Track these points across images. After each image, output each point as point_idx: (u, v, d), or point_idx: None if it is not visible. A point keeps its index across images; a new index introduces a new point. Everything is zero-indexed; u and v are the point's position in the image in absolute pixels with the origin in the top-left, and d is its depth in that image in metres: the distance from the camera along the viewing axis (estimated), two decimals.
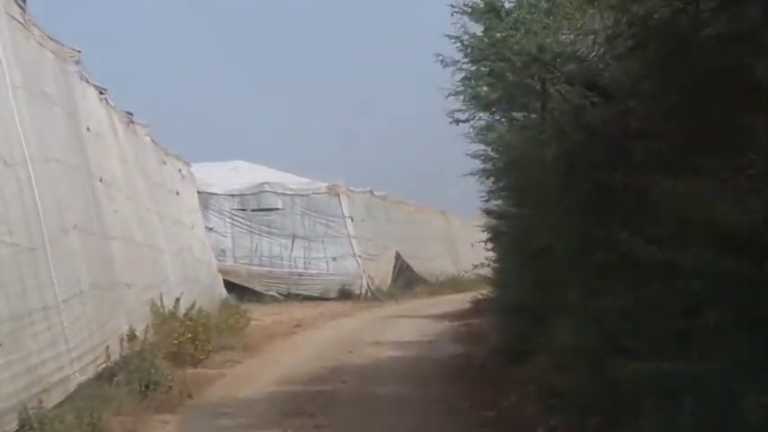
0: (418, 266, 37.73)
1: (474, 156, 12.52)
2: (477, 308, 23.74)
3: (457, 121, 11.47)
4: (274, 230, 31.87)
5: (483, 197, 18.79)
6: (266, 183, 32.28)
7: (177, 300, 15.66)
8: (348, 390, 11.18)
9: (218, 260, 30.65)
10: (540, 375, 9.41)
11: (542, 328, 9.52)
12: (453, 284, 38.65)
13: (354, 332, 18.80)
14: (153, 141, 20.14)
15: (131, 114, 17.58)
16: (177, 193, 22.68)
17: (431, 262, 39.71)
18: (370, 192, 34.30)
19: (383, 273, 33.70)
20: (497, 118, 11.20)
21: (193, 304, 15.74)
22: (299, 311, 25.85)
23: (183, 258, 20.86)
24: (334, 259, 31.69)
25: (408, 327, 19.78)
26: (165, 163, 21.73)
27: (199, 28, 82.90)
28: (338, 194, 32.01)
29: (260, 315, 24.31)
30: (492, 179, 11.94)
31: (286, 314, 24.97)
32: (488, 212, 13.00)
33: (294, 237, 31.88)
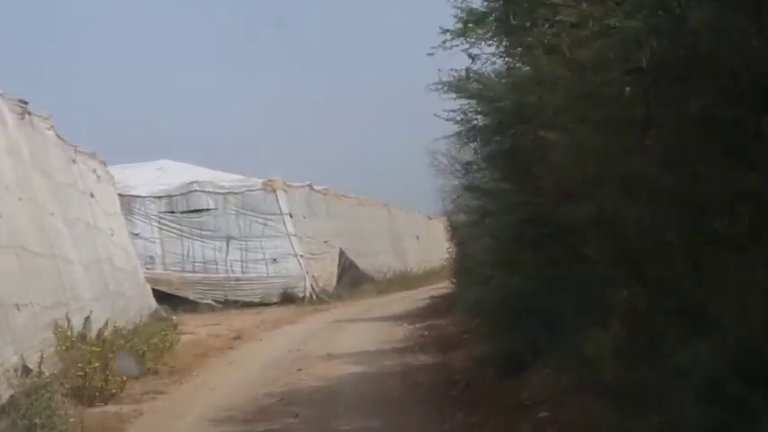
0: (364, 264, 35.21)
1: (451, 116, 9.68)
2: (437, 307, 21.40)
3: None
4: (207, 233, 29.06)
5: (459, 172, 16.60)
6: (195, 182, 29.45)
7: (87, 319, 12.89)
8: (302, 428, 8.54)
9: (147, 269, 27.83)
10: (555, 394, 6.97)
11: (555, 333, 7.11)
12: (401, 281, 36.32)
13: (302, 343, 16.20)
14: (58, 137, 17.35)
15: (26, 103, 14.73)
16: (92, 196, 19.84)
17: (376, 258, 37.23)
18: (310, 186, 31.66)
19: (328, 273, 31.10)
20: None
21: (106, 323, 12.98)
22: (237, 320, 23.20)
23: (100, 269, 18.09)
24: (274, 261, 29.02)
25: (363, 332, 17.27)
26: (75, 162, 18.89)
27: (128, 20, 79.53)
28: (275, 190, 29.33)
29: (194, 327, 21.77)
30: (477, 143, 9.32)
31: (224, 324, 22.32)
32: (470, 189, 10.32)
33: (229, 238, 29.12)
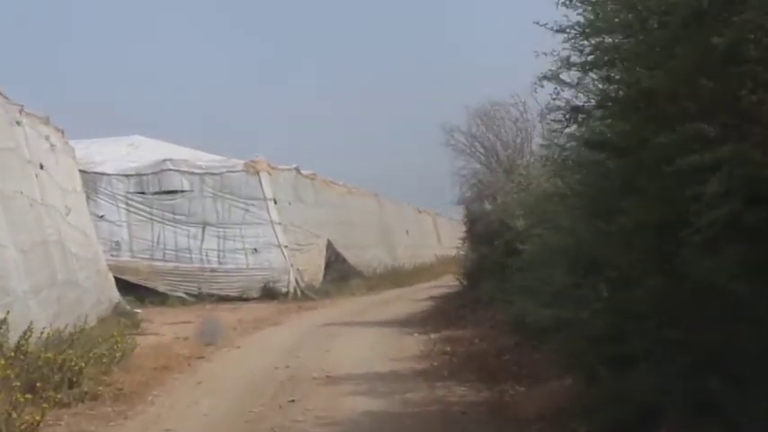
0: (352, 257, 31.85)
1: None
2: (444, 310, 18.14)
3: None
4: (180, 217, 25.62)
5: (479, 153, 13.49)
6: (169, 160, 25.98)
7: (3, 321, 9.48)
8: None
9: (111, 255, 24.46)
10: None
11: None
12: (393, 278, 33.05)
13: (290, 354, 12.83)
14: None
15: None
16: (41, 167, 16.44)
17: (365, 252, 33.89)
18: (296, 170, 28.23)
19: (314, 266, 27.72)
20: None
21: (29, 329, 9.56)
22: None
23: (46, 255, 14.79)
24: (255, 251, 25.61)
25: (365, 343, 13.92)
26: (19, 124, 15.47)
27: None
28: (258, 172, 25.91)
29: (160, 325, 18.57)
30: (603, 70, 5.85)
31: (195, 323, 18.95)
32: (592, 143, 6.76)
33: (205, 224, 25.68)
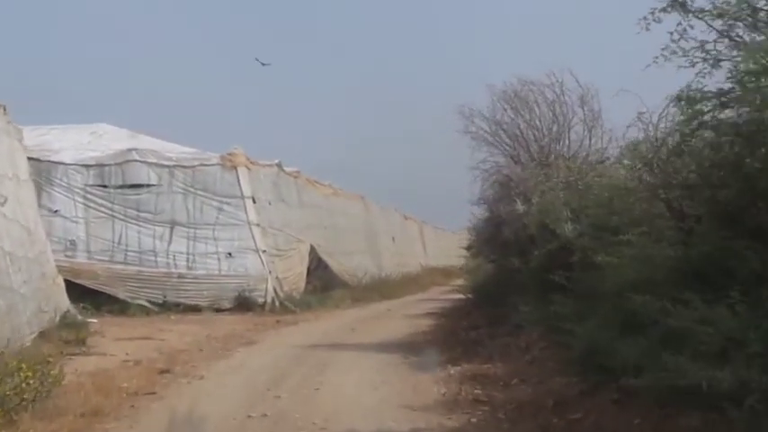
0: (336, 265, 28.72)
1: None
2: (451, 331, 15.08)
3: None
4: (146, 215, 22.45)
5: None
6: (134, 149, 22.75)
7: None
8: None
9: (66, 256, 21.37)
10: None
11: None
12: (380, 288, 29.95)
13: (268, 394, 9.69)
14: None
15: None
16: None
17: (351, 259, 30.76)
18: (278, 166, 25.04)
19: (295, 274, 24.53)
20: None
21: None
22: (175, 334, 16.86)
23: None
24: (230, 255, 22.44)
25: (364, 378, 10.77)
26: None
27: None
28: (235, 167, 22.73)
29: (112, 341, 15.53)
30: None
31: (155, 339, 15.93)
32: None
33: (174, 224, 22.51)
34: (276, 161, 24.99)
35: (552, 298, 9.83)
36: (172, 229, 22.48)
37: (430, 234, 54.42)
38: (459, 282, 45.45)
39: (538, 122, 13.20)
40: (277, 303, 22.38)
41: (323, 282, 27.36)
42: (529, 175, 12.02)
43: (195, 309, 21.80)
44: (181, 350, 14.18)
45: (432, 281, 41.04)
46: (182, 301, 21.98)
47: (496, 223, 12.65)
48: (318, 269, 27.89)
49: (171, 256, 22.37)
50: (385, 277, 33.05)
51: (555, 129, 13.12)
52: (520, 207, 11.74)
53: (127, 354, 13.57)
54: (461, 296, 28.63)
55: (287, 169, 25.85)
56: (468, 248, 20.48)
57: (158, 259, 22.35)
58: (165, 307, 21.84)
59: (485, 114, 13.98)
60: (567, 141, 13.06)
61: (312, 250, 26.57)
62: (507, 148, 13.25)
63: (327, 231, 29.08)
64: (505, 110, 13.56)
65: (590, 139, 12.77)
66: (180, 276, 22.23)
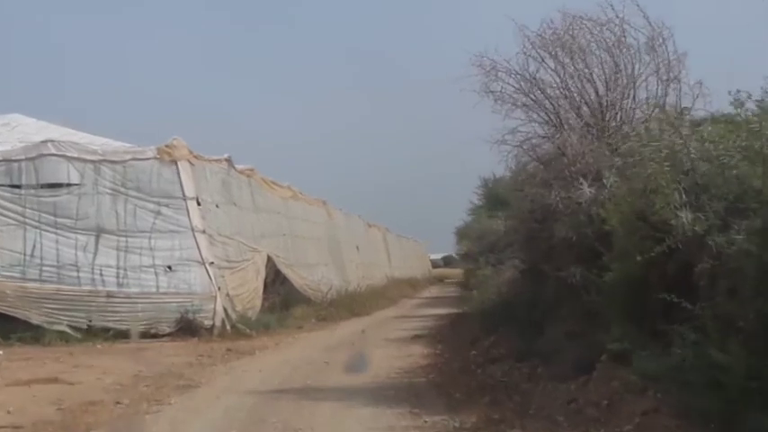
0: (298, 278, 24.63)
1: None
2: (466, 369, 11.15)
3: None
4: (65, 221, 18.31)
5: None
6: (51, 141, 18.48)
7: None
8: None
9: None
10: None
11: None
12: (347, 304, 25.97)
13: None
14: None
15: None
16: None
17: (313, 271, 26.70)
18: (228, 161, 20.89)
19: (250, 290, 20.39)
20: None
21: None
22: (94, 373, 12.93)
23: None
24: (170, 269, 18.33)
25: None
26: None
27: None
28: (175, 161, 18.58)
29: (1, 386, 11.40)
30: None
31: (62, 384, 11.78)
32: None
33: (100, 232, 18.37)
34: (226, 155, 20.84)
35: (669, 330, 5.97)
36: (98, 237, 18.27)
37: (393, 243, 50.50)
38: (429, 294, 41.84)
39: (593, 74, 9.36)
40: (228, 326, 18.26)
41: (282, 298, 23.34)
42: (596, 150, 8.18)
43: (127, 335, 17.64)
44: (91, 403, 10.05)
45: (400, 293, 37.15)
46: (111, 325, 17.82)
47: (540, 217, 8.79)
48: (276, 283, 23.82)
49: (97, 271, 18.16)
50: (351, 291, 28.98)
51: (618, 83, 9.27)
52: (587, 191, 7.89)
53: (9, 411, 9.44)
54: (441, 312, 24.93)
55: (239, 167, 21.72)
56: (466, 255, 16.73)
57: (81, 275, 18.12)
58: (91, 333, 17.72)
59: (513, 68, 9.96)
60: (633, 99, 9.24)
61: (269, 261, 22.44)
62: (547, 112, 9.39)
63: (287, 240, 24.99)
64: (543, 60, 9.66)
65: (665, 97, 9.01)
66: (108, 295, 18.04)
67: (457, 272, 71.67)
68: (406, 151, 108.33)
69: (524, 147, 9.41)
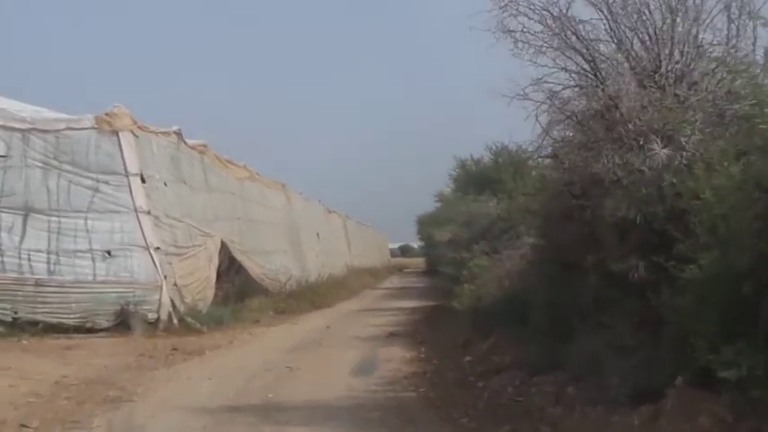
0: (255, 267, 22.33)
1: None
2: (462, 381, 9.02)
3: None
4: None
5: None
6: None
7: None
8: None
9: None
10: None
11: None
12: (308, 296, 23.81)
13: None
14: None
15: None
16: None
17: (271, 259, 24.42)
18: (178, 135, 18.51)
19: (200, 279, 18.08)
20: None
21: None
22: (9, 378, 10.83)
23: None
24: (109, 254, 16.00)
25: None
26: None
27: None
28: (116, 132, 16.18)
29: None
30: None
31: None
32: None
33: (29, 211, 16.01)
34: (175, 128, 18.46)
35: None
36: (26, 217, 15.88)
37: (353, 230, 48.29)
38: (392, 285, 39.69)
39: (649, 5, 7.24)
40: (175, 320, 15.99)
41: (237, 288, 21.04)
42: (652, 96, 6.10)
43: (59, 329, 15.30)
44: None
45: (361, 284, 35.03)
46: (40, 318, 15.46)
47: (579, 192, 6.66)
48: (231, 272, 21.53)
49: (24, 256, 15.78)
50: (311, 281, 26.75)
51: (681, 18, 7.15)
52: (661, 154, 5.77)
53: None
54: (411, 305, 22.85)
55: (190, 141, 19.34)
56: (451, 242, 14.65)
57: (6, 260, 15.74)
58: (16, 327, 15.32)
59: (534, 4, 7.73)
60: (695, 42, 7.17)
61: (223, 247, 20.13)
62: (583, 57, 7.25)
63: (242, 224, 22.67)
64: None
65: (737, 39, 6.96)
66: (37, 284, 15.67)
67: (416, 261, 69.90)
68: (367, 129, 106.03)
69: (555, 102, 7.32)
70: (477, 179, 19.77)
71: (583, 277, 6.83)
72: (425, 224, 54.07)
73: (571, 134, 7.03)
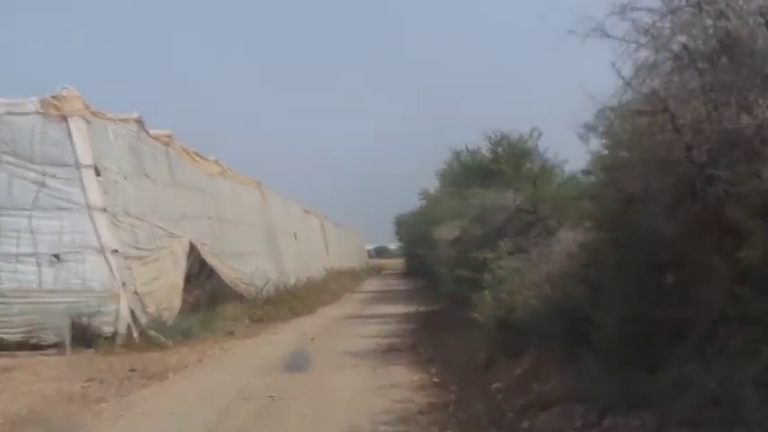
0: (228, 271, 20.02)
1: None
2: (522, 417, 6.77)
3: None
4: None
5: None
6: None
7: None
8: None
9: None
10: None
11: None
12: (287, 302, 21.60)
13: None
14: None
15: None
16: None
17: (246, 262, 22.14)
18: (139, 123, 16.16)
19: (166, 286, 15.78)
20: None
21: None
22: None
23: None
24: (57, 259, 13.69)
25: None
26: None
27: None
28: (65, 118, 13.84)
29: None
30: None
31: None
32: None
33: None
34: (135, 115, 16.14)
35: None
36: None
37: (331, 231, 46.00)
38: (373, 287, 37.39)
39: None
40: (135, 334, 13.70)
41: (209, 294, 18.77)
42: None
43: (0, 345, 12.99)
44: None
45: (341, 287, 32.74)
46: None
47: (704, 158, 4.53)
48: (202, 276, 19.24)
49: None
50: (290, 286, 24.45)
51: None
52: None
53: None
54: (401, 311, 20.70)
55: (154, 131, 17.03)
56: (457, 241, 12.44)
57: None
58: None
59: None
60: None
61: (192, 250, 17.83)
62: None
63: (214, 224, 20.39)
64: None
65: None
66: None
67: (394, 263, 67.59)
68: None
69: (652, 35, 5.17)
70: (473, 171, 17.74)
71: (697, 282, 4.69)
72: (405, 224, 51.97)
73: (676, 78, 4.90)
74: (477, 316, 9.05)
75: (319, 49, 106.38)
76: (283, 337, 15.46)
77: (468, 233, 11.34)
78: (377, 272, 56.22)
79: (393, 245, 77.63)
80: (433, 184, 30.60)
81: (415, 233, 34.86)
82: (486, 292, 9.19)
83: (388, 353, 12.04)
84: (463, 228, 12.35)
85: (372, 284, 39.51)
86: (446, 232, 14.00)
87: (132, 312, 13.89)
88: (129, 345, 13.50)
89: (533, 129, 16.50)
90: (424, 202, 35.94)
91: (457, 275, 11.85)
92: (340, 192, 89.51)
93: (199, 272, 19.33)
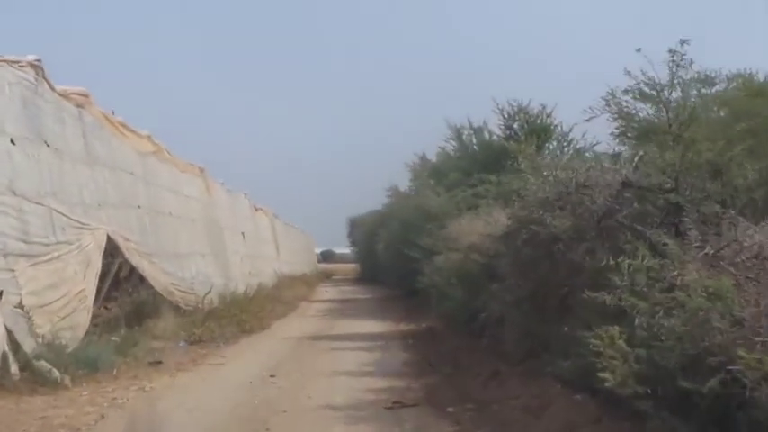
0: (160, 275, 15.44)
1: None
2: None
3: None
4: None
5: None
6: None
7: None
8: None
9: None
10: None
11: None
12: (235, 315, 17.05)
13: None
14: None
15: None
16: None
17: (185, 265, 17.59)
18: (36, 69, 11.46)
19: (69, 296, 11.16)
20: None
21: None
22: None
23: None
24: None
25: None
26: None
27: None
28: None
29: None
30: None
31: None
32: None
33: None
34: (31, 57, 11.44)
35: None
36: None
37: (282, 232, 41.29)
38: (330, 296, 32.77)
39: None
40: (14, 368, 9.09)
41: (135, 306, 14.28)
42: None
43: None
44: None
45: (295, 295, 28.16)
46: None
47: None
48: (133, 281, 14.71)
49: None
50: (238, 294, 19.82)
51: None
52: None
53: None
54: (381, 329, 16.35)
55: (62, 87, 12.38)
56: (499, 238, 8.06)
57: None
58: None
59: None
60: None
61: (111, 246, 13.20)
62: None
63: (144, 215, 15.75)
64: None
65: None
66: None
67: (345, 268, 62.93)
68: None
69: None
70: (478, 155, 13.63)
71: None
72: (362, 225, 47.48)
73: None
74: (609, 378, 4.67)
75: (277, 32, 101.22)
76: (231, 373, 10.92)
77: (536, 224, 6.91)
78: (327, 277, 51.62)
79: (341, 248, 72.82)
80: (401, 182, 26.66)
81: (380, 235, 30.53)
82: (616, 330, 4.77)
83: (398, 412, 7.62)
84: (518, 217, 7.91)
85: (327, 292, 34.92)
86: (470, 227, 9.77)
87: (10, 335, 9.28)
88: (2, 384, 8.92)
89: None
90: (392, 199, 31.72)
91: (525, 290, 7.40)
92: (287, 189, 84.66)
93: (130, 275, 14.80)
